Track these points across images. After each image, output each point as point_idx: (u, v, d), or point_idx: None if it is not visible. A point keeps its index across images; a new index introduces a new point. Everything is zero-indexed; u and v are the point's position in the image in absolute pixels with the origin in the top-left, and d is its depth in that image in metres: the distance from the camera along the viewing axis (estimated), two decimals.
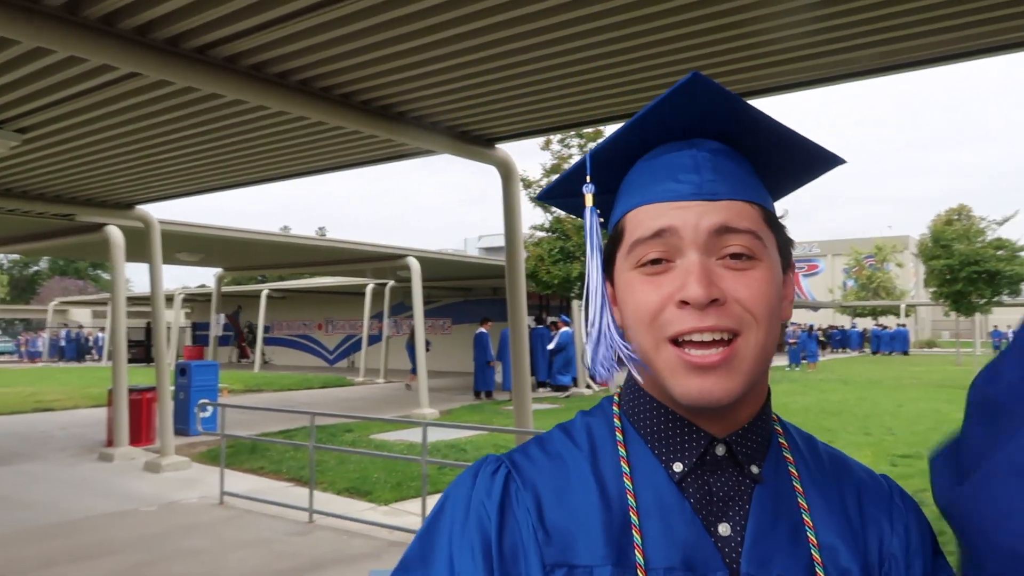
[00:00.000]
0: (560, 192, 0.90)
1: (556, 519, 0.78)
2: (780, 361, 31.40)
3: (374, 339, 24.98)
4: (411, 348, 19.68)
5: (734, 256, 0.76)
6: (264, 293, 27.41)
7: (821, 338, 41.50)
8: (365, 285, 23.79)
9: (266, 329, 28.57)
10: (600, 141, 0.86)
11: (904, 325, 44.62)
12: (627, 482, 0.79)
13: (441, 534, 0.81)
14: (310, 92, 4.81)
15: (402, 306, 24.36)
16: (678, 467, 0.80)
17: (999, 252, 22.60)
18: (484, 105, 5.15)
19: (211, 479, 8.10)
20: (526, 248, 16.61)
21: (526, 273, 15.52)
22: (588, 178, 0.84)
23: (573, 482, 0.81)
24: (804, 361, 29.20)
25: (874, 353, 41.56)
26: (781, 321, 0.81)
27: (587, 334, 0.84)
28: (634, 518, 0.77)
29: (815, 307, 50.82)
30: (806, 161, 0.86)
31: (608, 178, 0.85)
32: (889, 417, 13.93)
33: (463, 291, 26.13)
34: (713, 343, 0.74)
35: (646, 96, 4.93)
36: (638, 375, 0.82)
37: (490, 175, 6.25)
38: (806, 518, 0.80)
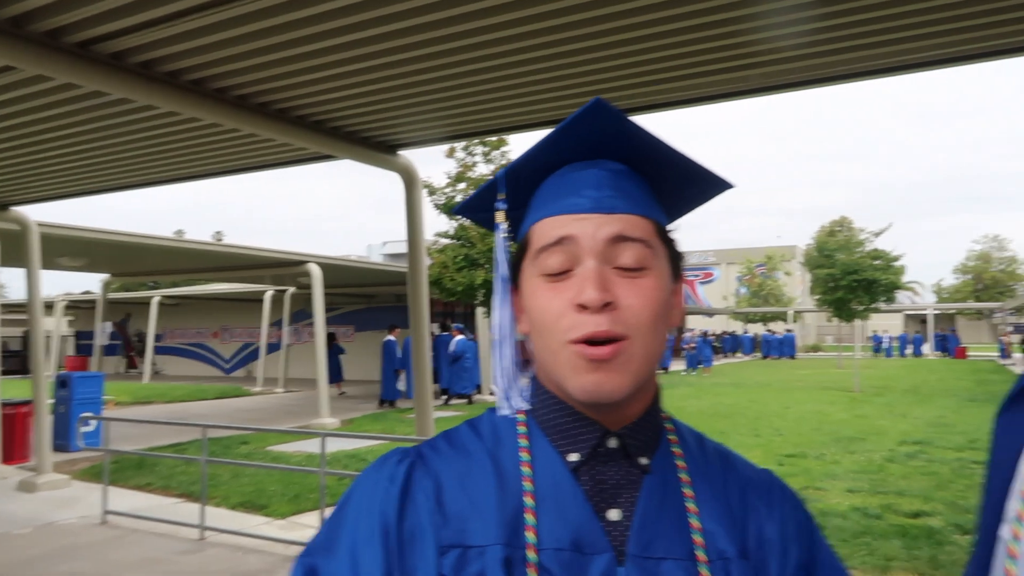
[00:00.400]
0: (475, 207, 0.96)
1: (455, 504, 0.83)
2: (678, 366, 32.46)
3: (273, 347, 24.24)
4: (330, 356, 19.45)
5: (627, 268, 0.84)
6: (155, 300, 26.14)
7: (715, 343, 43.21)
8: (264, 292, 23.08)
9: (157, 338, 27.23)
10: (513, 161, 0.91)
11: (792, 330, 47.02)
12: (525, 469, 0.85)
13: (346, 519, 0.86)
14: (203, 93, 4.64)
15: (303, 313, 23.77)
16: (574, 457, 0.86)
17: (876, 262, 24.04)
18: (386, 111, 5.10)
19: (93, 497, 7.64)
20: (431, 255, 16.53)
21: (431, 280, 15.45)
22: (501, 196, 0.91)
23: (474, 470, 0.86)
24: (700, 366, 30.27)
25: (764, 357, 43.57)
26: (670, 327, 0.89)
27: (493, 358, 0.91)
28: (529, 502, 0.83)
29: (710, 313, 52.82)
30: (698, 184, 0.94)
31: (520, 195, 0.92)
32: (777, 419, 14.63)
33: (366, 298, 25.74)
34: (606, 344, 0.81)
35: (548, 107, 5.01)
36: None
37: (397, 181, 6.19)
38: (690, 505, 0.86)
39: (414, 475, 0.86)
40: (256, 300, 24.77)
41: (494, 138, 16.23)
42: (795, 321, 51.40)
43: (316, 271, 15.17)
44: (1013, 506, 0.81)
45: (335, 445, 10.23)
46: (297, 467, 8.22)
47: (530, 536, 0.81)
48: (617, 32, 3.80)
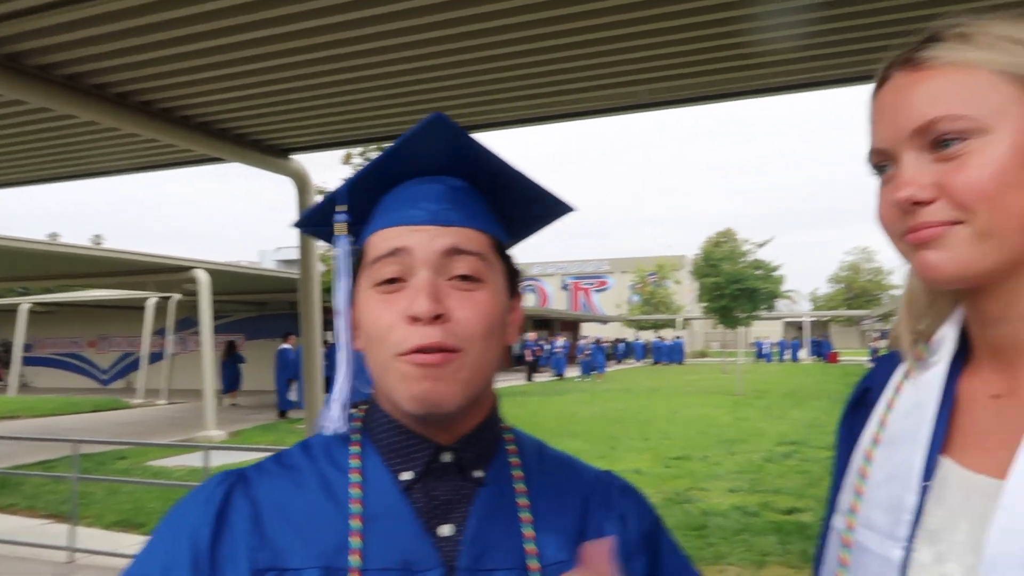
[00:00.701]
0: (316, 221, 0.95)
1: (276, 527, 0.83)
2: (573, 372, 33.06)
3: (156, 357, 23.06)
4: (226, 365, 19.01)
5: (462, 278, 0.84)
6: (24, 307, 24.34)
7: (609, 350, 44.35)
8: (146, 299, 21.94)
9: (26, 347, 25.35)
10: (354, 174, 0.91)
11: (680, 337, 48.84)
12: (355, 491, 0.85)
13: (159, 544, 0.84)
14: (79, 89, 4.38)
15: (189, 321, 22.74)
16: (407, 475, 0.86)
17: (757, 271, 25.40)
18: (278, 114, 4.98)
19: None
20: (324, 262, 16.17)
21: (324, 287, 15.10)
22: (342, 208, 0.90)
23: (301, 492, 0.86)
24: (594, 372, 30.95)
25: (655, 363, 45.07)
26: (505, 343, 0.90)
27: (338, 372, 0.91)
28: (356, 524, 0.82)
29: (604, 320, 54.14)
30: (539, 205, 0.97)
31: (362, 208, 0.92)
32: (665, 423, 15.15)
33: (258, 305, 24.89)
34: (437, 353, 0.81)
35: (448, 114, 5.02)
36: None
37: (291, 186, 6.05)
38: (525, 515, 0.88)
39: (233, 497, 0.85)
40: (137, 307, 23.51)
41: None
42: (684, 328, 53.37)
43: (203, 277, 14.57)
44: (847, 498, 0.89)
45: (221, 458, 9.84)
46: (178, 482, 7.86)
47: (354, 560, 0.80)
48: (508, 44, 3.87)
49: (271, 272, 19.61)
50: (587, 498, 0.93)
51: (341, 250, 0.91)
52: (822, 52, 4.00)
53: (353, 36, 3.76)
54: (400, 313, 0.82)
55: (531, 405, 19.11)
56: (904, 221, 0.78)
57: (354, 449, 0.89)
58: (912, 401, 0.86)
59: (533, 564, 0.85)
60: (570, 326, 46.81)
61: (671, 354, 45.18)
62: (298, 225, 0.98)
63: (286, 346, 17.46)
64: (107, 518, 7.39)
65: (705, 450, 11.55)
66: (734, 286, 24.68)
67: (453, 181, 0.90)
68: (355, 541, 0.81)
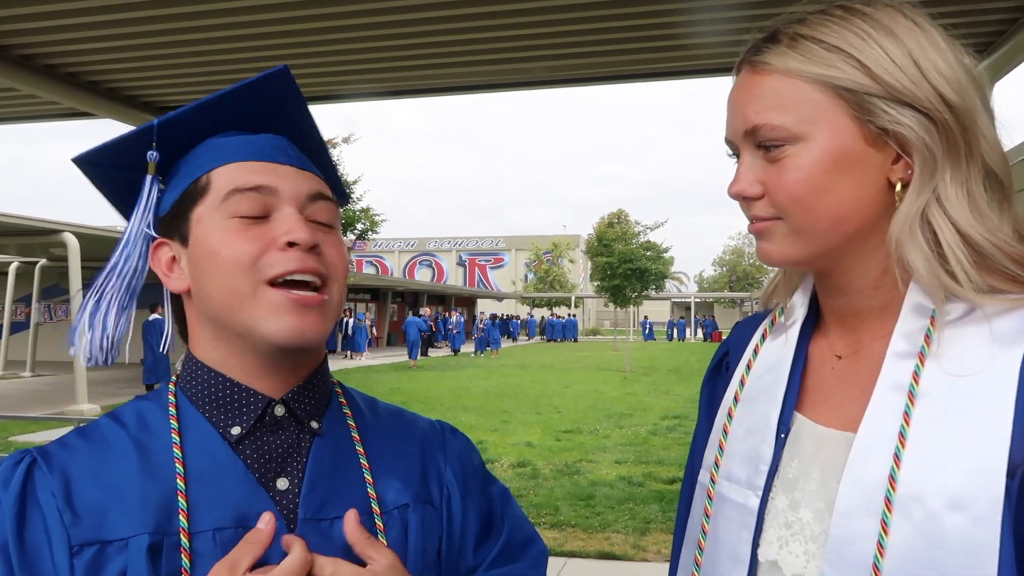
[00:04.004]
0: (111, 161, 0.89)
1: (89, 499, 0.77)
2: (468, 348, 33.22)
3: (20, 326, 21.50)
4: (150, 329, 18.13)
5: (318, 222, 0.86)
6: None
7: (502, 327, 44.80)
8: (8, 264, 20.37)
9: None
10: (171, 113, 0.87)
11: (574, 315, 49.88)
12: (176, 451, 0.81)
13: None
14: None
15: (57, 288, 21.35)
16: (235, 431, 0.84)
17: (648, 252, 26.22)
18: (154, 68, 4.68)
19: None
20: None
21: None
22: (154, 145, 0.86)
23: (114, 460, 0.81)
24: (488, 348, 31.16)
25: (549, 340, 45.85)
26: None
27: (94, 305, 0.87)
28: (181, 484, 0.79)
29: (499, 297, 54.58)
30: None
31: (168, 153, 0.88)
32: (557, 397, 15.47)
33: None
34: (310, 286, 0.82)
35: (325, 80, 4.87)
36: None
37: None
38: (363, 462, 0.88)
39: (34, 474, 0.79)
40: None
41: None
42: (577, 306, 54.54)
43: (72, 242, 13.65)
44: (711, 454, 0.93)
45: None
46: None
47: (182, 520, 0.77)
48: (399, 12, 3.78)
49: None
50: (424, 446, 0.96)
51: (150, 190, 0.87)
52: (726, 40, 4.11)
53: None
54: (271, 241, 0.81)
55: (426, 380, 19.07)
56: (746, 210, 0.86)
57: (171, 410, 0.85)
58: (769, 361, 0.93)
59: (376, 508, 0.86)
60: (466, 302, 46.90)
61: (565, 331, 46.08)
62: (85, 160, 0.89)
63: (156, 316, 16.64)
64: None
65: (594, 424, 11.87)
66: (625, 266, 25.36)
67: (281, 139, 0.89)
68: (181, 501, 0.78)
